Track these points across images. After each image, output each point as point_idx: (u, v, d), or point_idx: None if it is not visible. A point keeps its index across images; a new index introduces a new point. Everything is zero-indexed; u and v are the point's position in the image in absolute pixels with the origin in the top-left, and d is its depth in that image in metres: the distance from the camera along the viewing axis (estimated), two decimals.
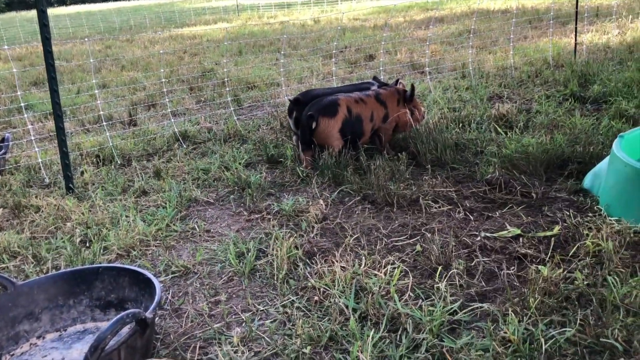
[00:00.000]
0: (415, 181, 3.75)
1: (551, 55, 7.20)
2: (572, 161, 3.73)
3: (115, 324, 1.92)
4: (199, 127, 5.52)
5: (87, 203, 3.80)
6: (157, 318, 2.47)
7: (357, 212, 3.41)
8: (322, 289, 2.58)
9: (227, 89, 6.33)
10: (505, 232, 2.95)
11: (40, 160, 4.65)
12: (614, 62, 6.77)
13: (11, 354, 2.37)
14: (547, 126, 4.51)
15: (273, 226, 3.28)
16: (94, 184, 4.20)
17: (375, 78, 4.90)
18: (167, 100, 5.93)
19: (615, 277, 2.37)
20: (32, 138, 4.80)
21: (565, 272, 2.48)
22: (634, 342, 2.01)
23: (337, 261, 2.76)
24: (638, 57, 6.79)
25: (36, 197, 3.97)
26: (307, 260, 2.88)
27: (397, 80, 4.65)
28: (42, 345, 2.43)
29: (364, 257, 2.81)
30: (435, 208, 3.34)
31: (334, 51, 6.94)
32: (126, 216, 3.51)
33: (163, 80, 6.06)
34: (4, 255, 3.15)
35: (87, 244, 3.22)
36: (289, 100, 4.52)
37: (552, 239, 2.81)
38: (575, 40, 7.27)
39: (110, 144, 4.91)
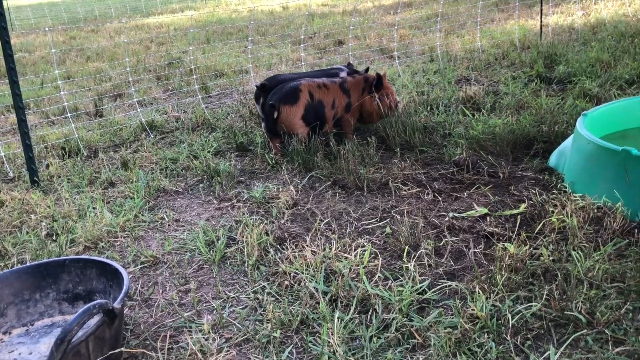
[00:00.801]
0: (385, 165, 3.76)
1: (517, 38, 7.28)
2: (537, 141, 3.79)
3: (81, 316, 1.89)
4: (166, 116, 5.45)
5: (53, 196, 3.72)
6: (126, 309, 2.45)
7: (327, 197, 3.41)
8: (292, 274, 2.58)
9: (195, 77, 6.25)
10: (473, 211, 2.99)
11: (2, 154, 4.54)
12: (579, 43, 6.87)
13: None
14: (513, 107, 4.56)
15: (243, 213, 3.26)
16: (59, 177, 4.11)
17: (349, 64, 4.86)
18: (133, 90, 5.83)
19: (579, 252, 2.42)
20: None
21: (531, 249, 2.52)
22: (596, 314, 2.06)
23: (307, 246, 2.76)
24: (601, 37, 6.90)
25: (0, 191, 3.87)
26: (278, 246, 2.87)
27: (367, 69, 4.63)
28: (8, 341, 2.38)
29: (334, 241, 2.82)
30: (405, 190, 3.36)
31: (302, 37, 6.90)
32: (93, 208, 3.46)
33: (129, 69, 5.94)
34: None
35: (54, 237, 3.16)
36: (256, 86, 4.49)
37: (519, 217, 2.85)
38: (541, 22, 7.36)
39: (76, 136, 4.82)
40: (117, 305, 2.08)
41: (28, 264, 2.62)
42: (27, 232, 3.21)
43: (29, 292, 2.51)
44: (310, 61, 7.42)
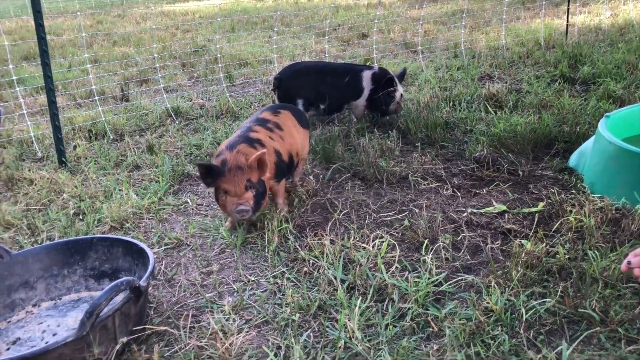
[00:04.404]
0: (405, 159, 3.80)
1: (543, 37, 7.24)
2: (558, 140, 3.80)
3: (110, 291, 1.98)
4: (191, 103, 5.54)
5: (80, 177, 3.83)
6: (150, 287, 2.53)
7: (347, 189, 3.46)
8: (311, 261, 2.64)
9: (220, 65, 6.32)
10: (492, 208, 3.02)
11: (32, 134, 4.66)
12: (605, 43, 6.81)
13: (7, 320, 2.42)
14: (536, 106, 4.56)
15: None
16: (86, 158, 4.22)
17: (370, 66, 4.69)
18: (159, 76, 5.93)
19: (596, 252, 2.45)
20: (24, 112, 4.80)
21: (547, 247, 2.55)
22: (610, 313, 2.09)
23: (326, 235, 2.82)
24: (629, 38, 6.83)
25: (29, 170, 3.99)
26: (298, 234, 2.94)
27: (403, 70, 4.64)
28: (37, 313, 2.48)
29: (353, 231, 2.87)
30: (424, 185, 3.40)
31: (327, 29, 6.94)
32: (119, 190, 3.55)
33: (155, 56, 6.04)
34: None
35: (81, 216, 3.26)
36: (275, 77, 4.56)
37: (537, 215, 2.88)
38: (567, 21, 7.30)
39: (103, 119, 4.92)
40: (143, 283, 2.16)
41: (57, 240, 2.72)
42: (56, 211, 3.32)
43: (58, 268, 2.61)
44: (334, 53, 7.45)
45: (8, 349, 2.25)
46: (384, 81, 4.35)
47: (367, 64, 6.35)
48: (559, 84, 5.28)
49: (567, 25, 7.29)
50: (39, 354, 1.88)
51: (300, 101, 4.47)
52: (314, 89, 4.46)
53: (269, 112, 3.29)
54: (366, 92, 4.44)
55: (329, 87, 4.44)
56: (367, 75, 4.44)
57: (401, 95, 4.40)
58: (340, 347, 2.07)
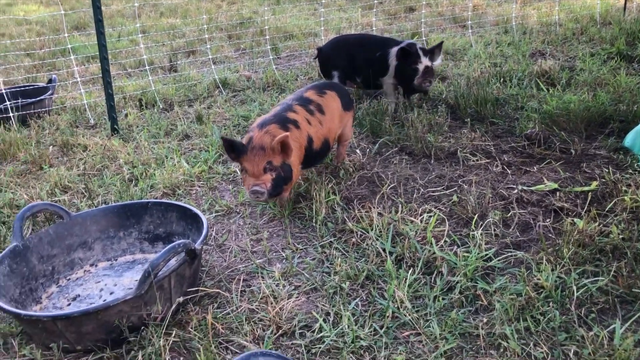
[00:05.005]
0: (454, 134, 3.76)
1: (599, 12, 6.98)
2: (614, 119, 3.69)
3: (168, 252, 2.04)
4: (238, 75, 5.58)
5: (132, 144, 3.93)
6: (202, 252, 2.60)
7: (394, 163, 3.46)
8: (359, 233, 2.67)
9: (266, 37, 6.34)
10: (543, 186, 2.98)
11: (85, 101, 4.79)
12: None
13: (67, 278, 2.53)
14: (590, 84, 4.43)
15: (311, 172, 3.36)
16: (137, 126, 4.32)
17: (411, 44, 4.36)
18: (208, 46, 5.98)
19: None
20: (78, 80, 4.93)
21: (600, 226, 2.51)
22: None
23: (374, 207, 2.84)
24: None
25: (83, 136, 4.12)
26: (345, 206, 2.96)
27: (441, 43, 4.31)
28: (95, 272, 2.59)
29: (400, 205, 2.88)
30: (473, 161, 3.37)
31: (374, 2, 6.85)
32: (170, 157, 3.63)
33: (205, 26, 6.09)
34: (56, 189, 3.31)
35: (134, 182, 3.36)
36: (317, 47, 4.55)
37: (589, 194, 2.83)
38: None
39: (153, 89, 5.02)
40: (198, 246, 2.23)
41: (113, 204, 2.81)
42: (111, 176, 3.42)
43: (114, 230, 2.71)
44: (380, 27, 7.37)
45: (69, 304, 2.36)
46: (406, 55, 4.07)
47: (415, 38, 6.27)
48: (615, 61, 5.10)
49: (625, 0, 7.01)
50: (100, 309, 1.97)
51: (335, 73, 4.46)
52: (349, 62, 4.41)
53: (314, 92, 3.18)
54: (392, 69, 4.21)
55: (362, 61, 4.38)
56: (393, 52, 4.21)
57: (427, 67, 4.04)
58: (388, 316, 2.10)
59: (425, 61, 4.04)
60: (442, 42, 4.22)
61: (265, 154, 2.63)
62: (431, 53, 4.10)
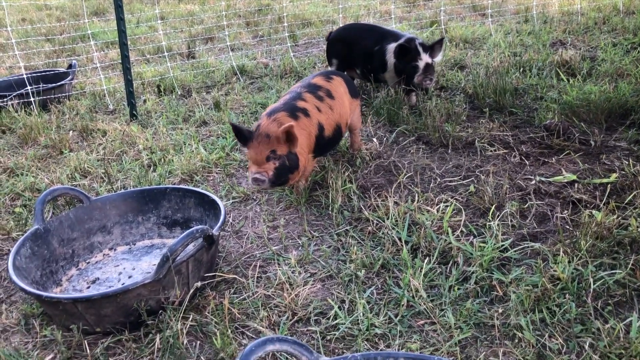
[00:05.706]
0: (472, 124, 3.74)
1: (622, 1, 6.86)
2: (635, 111, 3.64)
3: (186, 237, 2.07)
4: (256, 62, 5.58)
5: (151, 130, 3.96)
6: (220, 238, 2.63)
7: (411, 152, 3.45)
8: (375, 221, 2.67)
9: (284, 24, 6.33)
10: (561, 177, 2.95)
11: (104, 87, 4.83)
12: None
13: (87, 261, 2.58)
14: (611, 75, 4.37)
15: (327, 161, 3.36)
16: (156, 112, 4.35)
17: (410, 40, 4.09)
18: (226, 33, 5.99)
19: None
20: (97, 65, 4.98)
21: (619, 219, 2.49)
22: None
23: (390, 196, 2.84)
24: None
25: (102, 122, 4.16)
26: (361, 194, 2.96)
27: (441, 38, 4.12)
28: (114, 256, 2.63)
29: (417, 194, 2.88)
30: (491, 151, 3.35)
31: None
32: (188, 144, 3.66)
33: (223, 13, 6.10)
34: (76, 174, 3.36)
35: (153, 168, 3.39)
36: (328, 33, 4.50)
37: (609, 186, 2.80)
38: None
39: (171, 75, 5.04)
40: (215, 232, 2.25)
41: (132, 189, 2.84)
42: (130, 162, 3.46)
43: (133, 215, 2.74)
44: (399, 14, 7.31)
45: (88, 287, 2.40)
46: (405, 52, 3.87)
47: (434, 27, 6.22)
48: (638, 52, 5.02)
49: None
50: (120, 292, 2.01)
51: (334, 61, 4.41)
52: (348, 52, 4.29)
53: (321, 78, 3.16)
54: (390, 66, 4.02)
55: (359, 54, 4.23)
56: (390, 48, 3.99)
57: (427, 65, 3.87)
58: (403, 305, 2.11)
59: (425, 58, 3.87)
60: (443, 38, 4.07)
61: (269, 143, 2.62)
62: (432, 49, 3.92)
